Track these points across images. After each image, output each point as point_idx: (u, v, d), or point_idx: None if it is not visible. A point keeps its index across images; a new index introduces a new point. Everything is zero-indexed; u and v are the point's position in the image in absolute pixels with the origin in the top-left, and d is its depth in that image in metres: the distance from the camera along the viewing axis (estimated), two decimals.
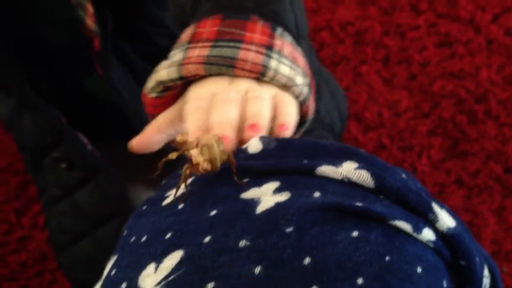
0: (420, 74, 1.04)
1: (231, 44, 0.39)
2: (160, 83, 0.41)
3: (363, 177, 0.29)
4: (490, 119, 0.99)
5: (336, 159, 0.30)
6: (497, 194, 0.94)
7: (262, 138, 0.33)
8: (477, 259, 0.30)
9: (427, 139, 0.99)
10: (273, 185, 0.29)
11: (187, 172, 0.30)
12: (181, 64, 0.39)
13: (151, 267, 0.28)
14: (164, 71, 0.40)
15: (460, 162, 0.97)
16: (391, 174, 0.30)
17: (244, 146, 0.33)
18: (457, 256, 0.30)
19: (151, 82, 0.42)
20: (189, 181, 0.31)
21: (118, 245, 0.32)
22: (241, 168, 0.31)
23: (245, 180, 0.30)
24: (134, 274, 0.28)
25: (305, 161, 0.30)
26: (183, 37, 0.43)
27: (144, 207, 0.33)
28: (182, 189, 0.31)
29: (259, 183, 0.30)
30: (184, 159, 0.33)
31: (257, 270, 0.25)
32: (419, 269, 0.27)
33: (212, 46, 0.39)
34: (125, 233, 0.32)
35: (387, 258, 0.27)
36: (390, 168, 0.31)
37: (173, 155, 0.32)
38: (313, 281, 0.25)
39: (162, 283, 0.26)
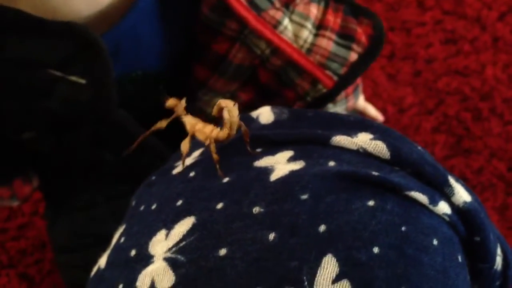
0: (425, 71, 1.04)
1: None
2: None
3: (379, 147, 0.29)
4: (495, 116, 0.99)
5: (351, 130, 0.30)
6: (500, 192, 0.93)
7: (273, 109, 0.32)
8: (492, 236, 0.30)
9: (431, 135, 0.99)
10: (287, 153, 0.29)
11: (184, 148, 0.29)
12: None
13: (162, 233, 0.27)
14: None
15: (464, 159, 0.96)
16: (407, 146, 0.29)
17: (255, 115, 0.33)
18: (472, 231, 0.29)
19: None
20: (199, 151, 0.31)
21: (126, 215, 0.31)
22: (254, 137, 0.30)
23: (258, 149, 0.29)
24: (144, 240, 0.27)
25: (320, 131, 0.30)
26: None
27: (153, 177, 0.32)
28: (192, 158, 0.31)
29: (272, 152, 0.29)
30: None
31: (272, 236, 0.25)
32: (435, 241, 0.27)
33: None
34: (133, 203, 0.32)
35: (403, 228, 0.26)
36: (406, 140, 0.30)
37: (162, 123, 0.31)
38: (328, 249, 0.24)
39: (173, 249, 0.26)
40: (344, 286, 0.24)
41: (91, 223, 0.70)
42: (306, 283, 0.24)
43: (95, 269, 0.30)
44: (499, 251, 0.31)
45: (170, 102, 0.30)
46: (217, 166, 0.28)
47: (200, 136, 0.29)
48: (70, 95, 0.50)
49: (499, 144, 0.96)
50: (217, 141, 0.29)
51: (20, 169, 0.69)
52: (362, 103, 0.80)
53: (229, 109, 0.27)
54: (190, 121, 0.30)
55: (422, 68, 1.04)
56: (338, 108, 0.64)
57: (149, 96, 0.55)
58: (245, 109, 0.59)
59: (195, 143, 0.31)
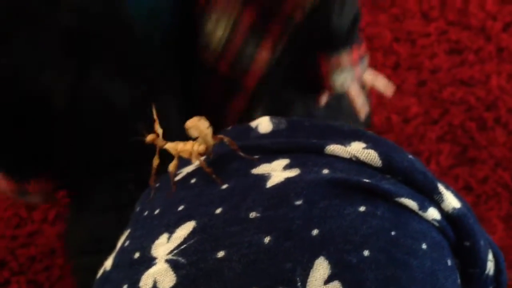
0: (430, 81, 1.05)
1: None
2: None
3: (371, 156, 0.30)
4: (500, 126, 0.99)
5: (345, 139, 0.31)
6: (505, 201, 0.94)
7: (272, 119, 0.33)
8: (482, 241, 0.31)
9: (436, 145, 0.99)
10: (283, 161, 0.30)
11: (172, 168, 0.31)
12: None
13: (164, 237, 0.28)
14: None
15: (469, 168, 0.97)
16: (398, 154, 0.30)
17: (254, 125, 0.34)
18: (462, 237, 0.30)
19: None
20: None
21: (131, 220, 0.33)
22: (252, 146, 0.31)
23: (256, 157, 0.31)
24: (147, 243, 0.29)
25: (315, 140, 0.31)
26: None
27: (157, 185, 0.33)
28: (193, 166, 0.32)
29: (269, 160, 0.30)
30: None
31: (267, 239, 0.26)
32: (424, 245, 0.28)
33: None
34: (137, 209, 0.33)
35: (393, 233, 0.27)
36: (398, 148, 0.31)
37: (155, 162, 0.32)
38: (321, 251, 0.25)
39: (175, 252, 0.27)
40: (335, 287, 0.25)
41: (108, 226, 0.71)
42: (299, 283, 0.25)
43: (101, 271, 0.32)
44: (490, 256, 0.32)
45: (149, 137, 0.32)
46: (213, 177, 0.29)
47: (185, 155, 0.31)
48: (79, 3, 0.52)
49: (504, 154, 0.97)
50: (201, 155, 0.30)
51: (45, 162, 0.71)
52: (370, 77, 0.81)
53: (196, 125, 0.29)
54: (171, 146, 0.32)
55: (427, 78, 1.05)
56: (346, 74, 0.68)
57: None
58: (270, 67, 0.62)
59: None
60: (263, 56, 0.64)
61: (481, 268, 0.31)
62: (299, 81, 0.72)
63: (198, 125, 0.29)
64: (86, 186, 0.73)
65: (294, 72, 0.70)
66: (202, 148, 0.30)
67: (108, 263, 0.31)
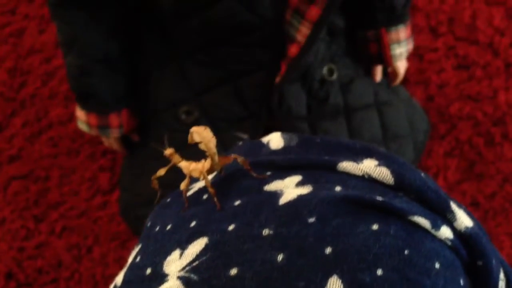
0: (438, 96, 1.05)
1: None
2: None
3: (383, 174, 0.30)
4: (507, 142, 0.99)
5: (357, 156, 0.31)
6: None
7: (283, 135, 0.34)
8: (494, 261, 0.31)
9: (443, 160, 0.99)
10: (296, 178, 0.30)
11: (183, 187, 0.31)
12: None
13: (176, 253, 0.28)
14: None
15: (476, 184, 0.96)
16: (410, 172, 0.30)
17: (265, 141, 0.34)
18: (474, 256, 0.30)
19: None
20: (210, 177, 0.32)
21: (142, 235, 0.33)
22: (264, 162, 0.31)
23: (268, 173, 0.31)
24: (159, 259, 0.29)
25: (327, 157, 0.31)
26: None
27: (168, 200, 0.34)
28: (203, 183, 0.32)
29: (281, 177, 0.30)
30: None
31: (280, 257, 0.26)
32: (437, 265, 0.28)
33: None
34: (148, 224, 0.33)
35: (406, 252, 0.27)
36: (410, 166, 0.31)
37: (161, 172, 0.33)
38: (334, 270, 0.25)
39: (187, 269, 0.27)
40: None
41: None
42: None
43: (111, 287, 0.32)
44: (502, 275, 0.32)
45: (167, 152, 0.33)
46: (215, 199, 0.30)
47: (195, 175, 0.32)
48: None
49: None
50: (209, 173, 0.31)
51: (130, 95, 0.82)
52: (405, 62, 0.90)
53: (199, 130, 0.29)
54: (184, 165, 0.32)
55: (435, 93, 1.05)
56: (402, 49, 0.83)
57: None
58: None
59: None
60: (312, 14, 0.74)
61: (493, 287, 0.31)
62: (356, 53, 0.85)
63: (202, 132, 0.29)
64: (148, 127, 0.83)
65: (351, 44, 0.84)
66: (207, 165, 0.30)
67: (118, 279, 0.31)
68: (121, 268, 0.96)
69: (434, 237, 0.29)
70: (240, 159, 0.31)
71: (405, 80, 1.07)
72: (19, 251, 0.95)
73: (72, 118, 1.04)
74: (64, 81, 1.09)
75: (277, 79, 0.75)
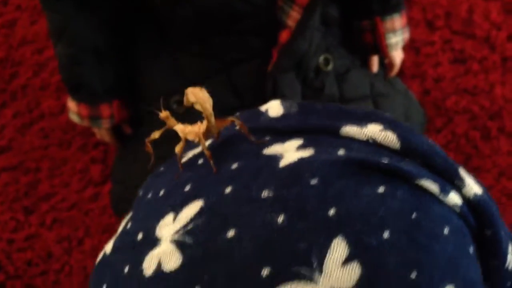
0: (434, 90, 1.04)
1: None
2: None
3: (389, 138, 0.28)
4: (503, 135, 0.98)
5: (361, 121, 0.30)
6: (509, 210, 0.93)
7: (283, 102, 0.32)
8: (503, 232, 0.29)
9: None
10: (297, 142, 0.29)
11: (178, 150, 0.30)
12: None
13: (170, 217, 0.27)
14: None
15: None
16: (417, 137, 0.29)
17: (263, 109, 0.33)
18: (483, 225, 0.29)
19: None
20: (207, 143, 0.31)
21: (133, 204, 0.32)
22: (262, 127, 0.30)
23: (267, 138, 0.29)
24: (151, 223, 0.27)
25: (329, 122, 0.30)
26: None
27: (162, 169, 0.32)
28: (200, 148, 0.31)
29: (281, 141, 0.29)
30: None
31: (280, 219, 0.25)
32: (446, 230, 0.26)
33: None
34: (140, 193, 0.32)
35: (414, 215, 0.26)
36: (416, 132, 0.30)
37: (155, 134, 0.32)
38: (338, 232, 0.24)
39: (181, 232, 0.26)
40: (354, 268, 0.23)
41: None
42: (315, 264, 0.23)
43: (100, 255, 0.30)
44: (510, 249, 0.31)
45: (162, 114, 0.32)
46: (211, 162, 0.28)
47: (191, 137, 0.31)
48: None
49: (508, 163, 0.96)
50: (205, 136, 0.30)
51: (123, 85, 0.82)
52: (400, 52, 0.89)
53: (194, 91, 0.28)
54: (180, 128, 0.31)
55: (431, 87, 1.04)
56: (398, 38, 0.83)
57: None
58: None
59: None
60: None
61: (502, 260, 0.30)
62: (352, 43, 0.84)
63: (198, 92, 0.28)
64: (140, 119, 0.82)
65: (347, 34, 0.83)
66: (203, 127, 0.29)
67: (108, 247, 0.30)
68: None
69: (442, 203, 0.28)
70: (238, 122, 0.30)
71: (401, 73, 1.06)
72: (9, 243, 0.93)
73: (63, 109, 1.03)
74: (56, 73, 1.08)
75: (269, 67, 0.74)
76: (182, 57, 0.79)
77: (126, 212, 0.85)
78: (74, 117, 0.83)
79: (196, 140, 0.30)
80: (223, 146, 0.30)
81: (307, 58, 0.77)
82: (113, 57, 0.81)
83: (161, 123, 0.83)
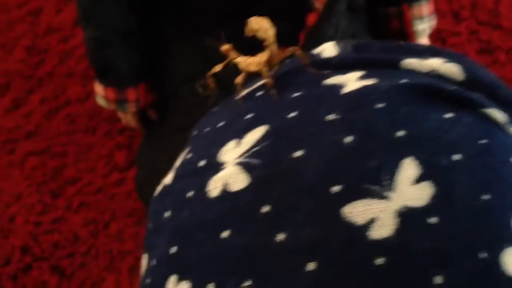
0: None
1: None
2: None
3: (453, 69, 0.28)
4: None
5: (421, 55, 0.29)
6: None
7: (338, 43, 0.32)
8: None
9: None
10: (358, 73, 0.28)
11: (239, 81, 0.30)
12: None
13: (232, 142, 0.27)
14: None
15: None
16: (481, 70, 0.28)
17: (316, 52, 0.32)
18: None
19: None
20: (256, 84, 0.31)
21: (188, 141, 0.31)
22: (320, 62, 0.30)
23: (326, 71, 0.29)
24: (213, 151, 0.27)
25: (388, 56, 0.29)
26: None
27: (216, 108, 0.32)
28: (259, 82, 0.30)
29: (341, 73, 0.29)
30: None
31: (348, 139, 0.24)
32: None
33: None
34: (195, 132, 0.31)
35: (483, 141, 0.25)
36: (479, 65, 0.30)
37: (217, 68, 0.32)
38: (408, 152, 0.24)
39: (246, 155, 0.26)
40: (426, 187, 0.23)
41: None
42: (385, 182, 0.23)
43: (159, 188, 0.30)
44: None
45: (224, 47, 0.32)
46: (273, 90, 0.28)
47: (252, 68, 0.30)
48: None
49: None
50: (268, 64, 0.29)
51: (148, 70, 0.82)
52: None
53: (257, 20, 0.28)
54: (241, 59, 0.31)
55: None
56: (425, 25, 0.82)
57: None
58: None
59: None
60: None
61: None
62: (378, 30, 0.84)
63: (260, 21, 0.28)
64: (166, 104, 0.83)
65: (373, 21, 0.83)
66: (266, 56, 0.29)
67: (167, 179, 0.30)
68: (138, 244, 0.95)
69: (508, 133, 0.27)
70: (299, 52, 0.29)
71: None
72: (36, 225, 0.94)
73: (89, 96, 1.04)
74: (82, 60, 1.09)
75: None
76: (205, 40, 0.79)
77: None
78: (101, 101, 0.84)
79: (258, 69, 0.29)
80: (283, 78, 0.29)
81: None
82: (140, 40, 0.82)
83: (187, 108, 0.83)
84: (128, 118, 0.86)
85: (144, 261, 0.29)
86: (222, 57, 0.82)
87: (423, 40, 0.85)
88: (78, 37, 1.10)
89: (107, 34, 0.79)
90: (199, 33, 0.79)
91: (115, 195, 0.95)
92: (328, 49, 0.32)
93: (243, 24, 0.76)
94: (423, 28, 0.83)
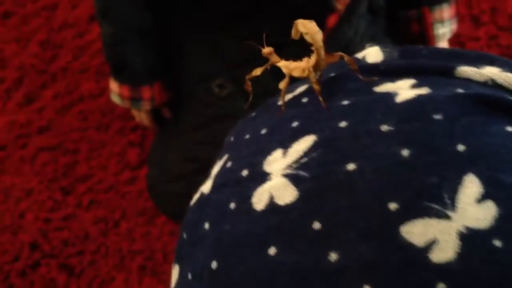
0: None
1: None
2: None
3: (511, 79, 0.26)
4: None
5: (476, 63, 0.28)
6: None
7: (383, 48, 0.30)
8: None
9: None
10: (409, 81, 0.27)
11: (283, 86, 0.28)
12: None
13: (278, 152, 0.25)
14: None
15: None
16: None
17: (360, 56, 0.31)
18: None
19: None
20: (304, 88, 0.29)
21: (225, 147, 0.30)
22: (367, 67, 0.28)
23: (375, 78, 0.28)
24: (257, 160, 0.26)
25: (440, 63, 0.28)
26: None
27: (253, 114, 0.31)
28: (303, 87, 0.29)
29: (391, 80, 0.27)
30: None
31: (405, 152, 0.23)
32: None
33: None
34: (232, 137, 0.30)
35: None
36: None
37: (257, 71, 0.30)
38: (469, 168, 0.22)
39: (294, 166, 0.24)
40: (489, 207, 0.21)
41: (195, 146, 0.80)
42: (447, 200, 0.22)
43: (195, 197, 0.29)
44: None
45: (265, 50, 0.30)
46: (320, 97, 0.26)
47: (296, 73, 0.29)
48: None
49: None
50: (315, 70, 0.28)
51: (163, 68, 0.82)
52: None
53: (307, 29, 0.26)
54: (284, 64, 0.29)
55: None
56: (446, 29, 0.81)
57: None
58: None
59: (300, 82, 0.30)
60: None
61: None
62: (397, 33, 0.83)
63: (307, 23, 0.27)
64: (180, 103, 0.83)
65: (393, 24, 0.82)
66: (313, 60, 0.27)
67: (205, 187, 0.28)
68: (147, 243, 0.94)
69: None
70: (347, 58, 0.28)
71: None
72: (46, 222, 0.93)
73: (103, 92, 1.03)
74: (96, 56, 1.08)
75: None
76: (223, 39, 0.78)
77: (162, 195, 0.85)
78: (115, 99, 0.83)
79: (304, 75, 0.28)
80: (330, 83, 0.28)
81: (353, 45, 0.75)
82: (156, 38, 0.81)
83: (202, 108, 0.82)
84: (142, 116, 0.86)
85: (175, 272, 0.28)
86: (238, 58, 0.81)
87: (443, 44, 0.84)
88: (93, 33, 1.10)
89: (122, 31, 0.79)
90: (215, 32, 0.79)
91: (126, 193, 0.94)
92: (372, 54, 0.30)
93: (262, 24, 0.74)
94: (444, 32, 0.82)
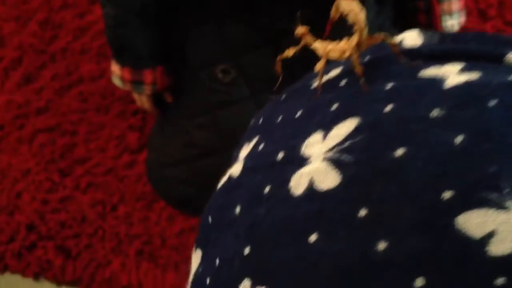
0: None
1: None
2: None
3: None
4: None
5: None
6: None
7: (422, 32, 0.29)
8: None
9: None
10: (457, 65, 0.25)
11: (319, 68, 0.27)
12: None
13: (318, 135, 0.24)
14: None
15: None
16: None
17: (398, 40, 0.30)
18: None
19: None
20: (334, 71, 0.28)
21: (253, 130, 0.28)
22: (409, 51, 0.27)
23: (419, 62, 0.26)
24: (294, 142, 0.24)
25: (488, 47, 0.26)
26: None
27: (284, 96, 0.29)
28: (339, 69, 0.28)
29: (437, 64, 0.25)
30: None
31: (459, 139, 0.22)
32: None
33: None
34: (260, 120, 0.28)
35: None
36: None
37: (289, 52, 0.29)
38: None
39: (336, 149, 0.23)
40: None
41: (196, 131, 0.79)
42: (505, 190, 0.20)
43: (223, 180, 0.27)
44: None
45: (299, 30, 0.29)
46: (362, 80, 0.25)
47: (334, 55, 0.27)
48: None
49: None
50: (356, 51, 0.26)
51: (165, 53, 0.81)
52: None
53: (350, 9, 0.25)
54: (320, 45, 0.28)
55: None
56: (454, 21, 0.80)
57: None
58: None
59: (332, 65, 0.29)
60: None
61: None
62: (405, 24, 0.83)
63: (350, 2, 0.25)
64: (182, 88, 0.83)
65: (400, 14, 0.82)
66: (354, 41, 0.26)
67: (234, 170, 0.27)
68: (145, 228, 0.93)
69: None
70: (389, 40, 0.26)
71: None
72: (43, 203, 0.92)
73: (103, 74, 1.01)
74: (97, 38, 1.06)
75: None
76: (228, 25, 0.77)
77: (161, 179, 0.84)
78: (116, 81, 0.82)
79: (343, 57, 0.27)
80: (371, 66, 0.27)
81: None
82: (159, 22, 0.80)
83: (205, 93, 0.81)
84: (143, 100, 0.84)
85: (197, 258, 0.27)
86: (243, 44, 0.80)
87: None
88: (94, 14, 1.08)
89: (125, 13, 0.78)
90: (221, 18, 0.77)
91: (124, 177, 0.93)
92: (411, 38, 0.29)
93: (268, 10, 0.72)
94: (452, 24, 0.81)
